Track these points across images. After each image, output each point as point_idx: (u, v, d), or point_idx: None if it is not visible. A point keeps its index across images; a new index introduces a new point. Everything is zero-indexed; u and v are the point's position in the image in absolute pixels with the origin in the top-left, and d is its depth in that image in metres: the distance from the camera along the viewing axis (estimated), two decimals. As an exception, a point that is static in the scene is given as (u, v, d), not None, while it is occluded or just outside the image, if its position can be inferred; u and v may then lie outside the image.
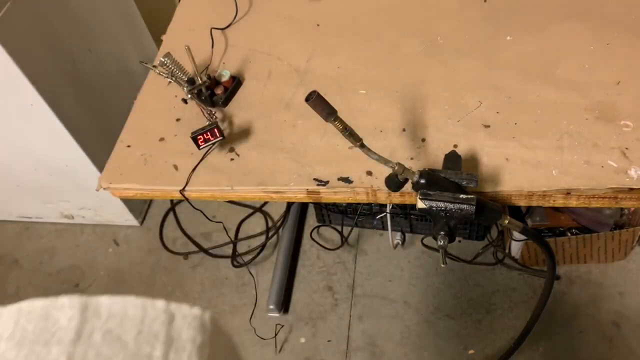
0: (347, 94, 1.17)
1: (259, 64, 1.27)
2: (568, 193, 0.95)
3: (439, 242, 0.86)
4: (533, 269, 1.86)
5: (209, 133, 1.04)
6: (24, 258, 2.17)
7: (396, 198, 1.00)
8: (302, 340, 1.82)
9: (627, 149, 0.96)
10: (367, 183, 1.00)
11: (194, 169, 1.07)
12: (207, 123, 1.07)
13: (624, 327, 1.69)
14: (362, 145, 0.85)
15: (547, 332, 1.72)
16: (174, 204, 2.10)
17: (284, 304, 1.89)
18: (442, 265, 0.86)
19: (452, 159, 0.96)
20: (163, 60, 1.10)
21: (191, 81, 1.13)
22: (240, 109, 1.18)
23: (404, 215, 1.91)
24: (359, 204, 1.91)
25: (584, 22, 1.21)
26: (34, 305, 0.35)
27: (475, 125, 1.05)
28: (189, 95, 1.12)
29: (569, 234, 1.73)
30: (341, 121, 0.83)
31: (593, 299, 1.77)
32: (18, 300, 0.35)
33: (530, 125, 1.04)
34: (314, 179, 1.02)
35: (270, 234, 2.08)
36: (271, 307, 1.85)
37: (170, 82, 1.13)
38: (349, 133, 0.84)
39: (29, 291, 2.06)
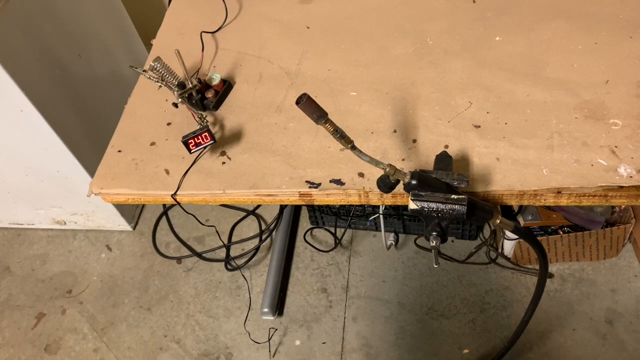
0: (337, 96, 1.17)
1: (249, 67, 1.27)
2: (559, 192, 0.96)
3: (431, 243, 0.86)
4: (526, 268, 1.86)
5: (200, 137, 1.04)
6: (16, 265, 2.16)
7: (388, 199, 1.01)
8: (297, 342, 1.82)
9: (616, 147, 0.97)
10: (359, 185, 1.00)
11: (185, 173, 1.07)
12: (198, 127, 1.07)
13: (617, 324, 1.71)
14: (354, 147, 0.85)
15: (540, 330, 1.73)
16: (166, 208, 2.10)
17: (278, 307, 1.89)
18: (435, 266, 0.86)
19: (443, 159, 0.96)
20: (153, 64, 1.09)
21: (182, 85, 1.13)
22: (231, 113, 1.18)
23: (397, 216, 1.92)
24: (351, 205, 1.92)
25: (572, 21, 1.22)
26: None
27: (466, 125, 1.06)
28: (180, 99, 1.12)
29: (561, 232, 1.74)
30: (332, 123, 0.83)
31: (586, 296, 1.78)
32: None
33: (520, 124, 1.04)
34: (306, 182, 1.02)
35: (263, 236, 2.08)
36: (265, 310, 1.85)
37: (160, 86, 1.12)
38: (340, 135, 0.84)
39: (21, 298, 2.04)
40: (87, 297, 2.03)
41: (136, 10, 2.17)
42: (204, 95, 1.17)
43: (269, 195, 1.04)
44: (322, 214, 2.01)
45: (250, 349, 1.82)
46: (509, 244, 1.82)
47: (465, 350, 1.73)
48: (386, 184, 0.90)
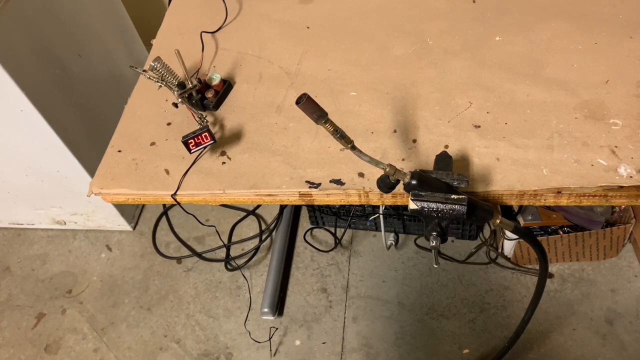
0: (337, 96, 1.17)
1: (249, 67, 1.27)
2: (559, 192, 0.95)
3: (431, 243, 0.86)
4: (526, 268, 1.86)
5: (200, 137, 1.04)
6: (16, 265, 2.16)
7: (388, 199, 1.00)
8: (297, 342, 1.82)
9: (616, 147, 0.97)
10: (359, 185, 1.00)
11: (185, 173, 1.07)
12: (198, 127, 1.07)
13: (617, 324, 1.71)
14: (353, 147, 0.85)
15: (540, 330, 1.73)
16: (166, 208, 2.10)
17: (278, 307, 1.89)
18: (435, 266, 0.86)
19: (443, 159, 0.96)
20: (153, 64, 1.09)
21: (182, 85, 1.13)
22: (231, 113, 1.18)
23: (397, 216, 1.92)
24: (351, 205, 1.92)
25: (571, 21, 1.22)
26: None
27: (466, 125, 1.06)
28: (180, 99, 1.12)
29: (561, 232, 1.74)
30: (332, 123, 0.83)
31: (586, 296, 1.78)
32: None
33: (520, 124, 1.04)
34: (306, 182, 1.02)
35: (263, 236, 2.08)
36: (265, 310, 1.85)
37: (160, 86, 1.12)
38: (340, 135, 0.84)
39: (21, 298, 2.04)
40: (87, 297, 2.03)
41: (136, 10, 2.17)
42: (204, 95, 1.17)
43: (269, 195, 1.04)
44: (322, 214, 2.01)
45: (251, 348, 1.82)
46: (509, 244, 1.82)
47: (465, 350, 1.73)
48: (386, 184, 0.90)
